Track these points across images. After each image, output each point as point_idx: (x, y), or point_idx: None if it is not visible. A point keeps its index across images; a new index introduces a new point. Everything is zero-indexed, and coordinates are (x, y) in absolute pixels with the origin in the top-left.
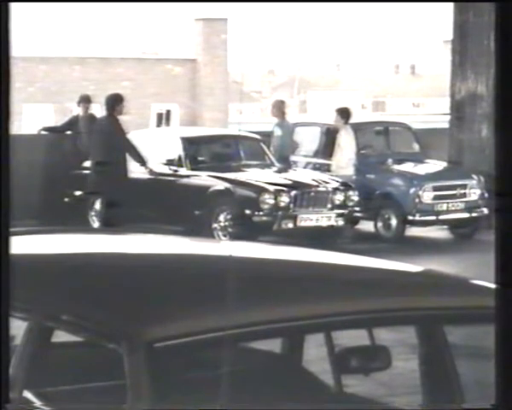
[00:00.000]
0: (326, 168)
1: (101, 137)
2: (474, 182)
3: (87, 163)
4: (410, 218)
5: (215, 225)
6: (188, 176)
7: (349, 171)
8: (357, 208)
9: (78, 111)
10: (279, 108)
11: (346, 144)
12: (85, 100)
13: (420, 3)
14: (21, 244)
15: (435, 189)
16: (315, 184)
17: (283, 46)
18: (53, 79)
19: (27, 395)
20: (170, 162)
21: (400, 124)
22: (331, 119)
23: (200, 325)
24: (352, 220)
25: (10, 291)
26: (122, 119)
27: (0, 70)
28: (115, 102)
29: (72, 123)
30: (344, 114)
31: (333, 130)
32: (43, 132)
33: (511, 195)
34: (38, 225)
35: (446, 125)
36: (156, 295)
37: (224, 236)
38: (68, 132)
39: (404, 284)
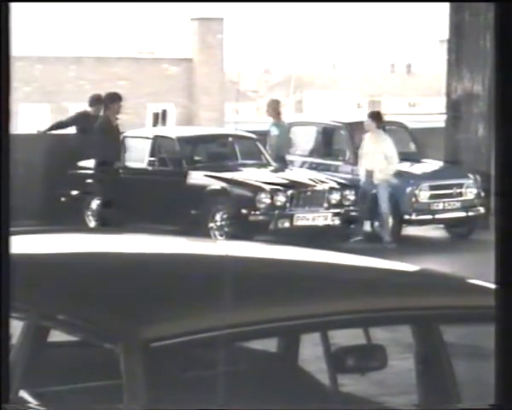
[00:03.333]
0: (322, 168)
1: (94, 135)
2: (471, 181)
3: (82, 163)
4: (407, 217)
5: (211, 225)
6: (184, 175)
7: (391, 175)
8: (353, 208)
9: (77, 110)
10: (274, 108)
11: (392, 149)
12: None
13: (416, 3)
14: (18, 244)
15: (432, 188)
16: (311, 183)
17: (279, 46)
18: (49, 79)
19: (24, 394)
20: (167, 161)
21: (396, 123)
22: (328, 118)
23: (196, 324)
24: (348, 220)
25: (10, 291)
26: (119, 117)
27: (0, 70)
28: (109, 100)
29: (74, 121)
30: (376, 117)
31: (329, 129)
32: (51, 132)
33: (511, 194)
34: (34, 225)
35: (442, 125)
36: (152, 294)
37: (221, 235)
38: (64, 132)
39: (401, 283)
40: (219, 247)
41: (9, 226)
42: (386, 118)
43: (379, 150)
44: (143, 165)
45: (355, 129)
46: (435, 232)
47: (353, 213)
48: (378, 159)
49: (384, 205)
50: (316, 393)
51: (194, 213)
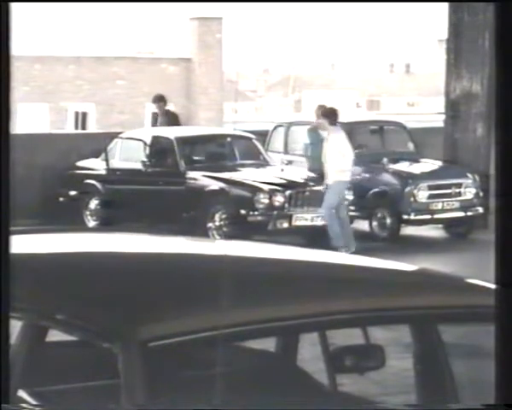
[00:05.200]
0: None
1: None
2: (469, 181)
3: (81, 163)
4: (405, 217)
5: (210, 225)
6: (183, 176)
7: (349, 174)
8: (351, 208)
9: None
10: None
11: (346, 147)
12: (159, 99)
13: (415, 3)
14: (16, 244)
15: (430, 188)
16: (310, 183)
17: (278, 45)
18: (48, 79)
19: (22, 394)
20: (165, 162)
21: (395, 123)
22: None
23: (194, 324)
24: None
25: (10, 291)
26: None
27: (0, 70)
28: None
29: (152, 121)
30: (328, 114)
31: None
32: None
33: (511, 194)
34: (33, 225)
35: (441, 124)
36: (151, 294)
37: (219, 235)
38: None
39: (399, 283)
40: (218, 247)
41: (9, 226)
42: (385, 118)
43: (334, 148)
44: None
45: (353, 129)
46: (434, 232)
47: (352, 214)
48: (334, 157)
49: (327, 211)
50: (314, 393)
51: (193, 214)
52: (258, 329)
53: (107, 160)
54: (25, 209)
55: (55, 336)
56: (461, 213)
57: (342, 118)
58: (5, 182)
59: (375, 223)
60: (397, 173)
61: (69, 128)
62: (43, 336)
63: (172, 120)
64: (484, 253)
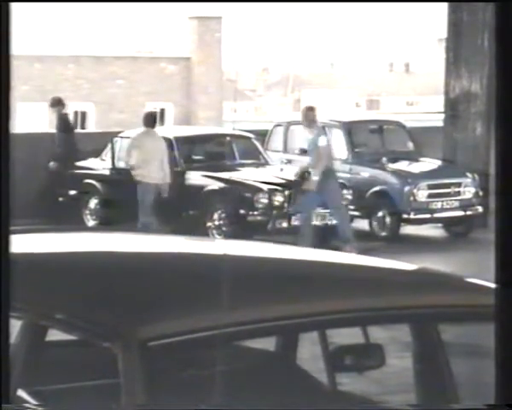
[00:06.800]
0: None
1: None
2: (469, 180)
3: (81, 162)
4: (405, 216)
5: (209, 224)
6: (182, 175)
7: (156, 179)
8: (351, 207)
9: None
10: (307, 115)
11: (159, 151)
12: (57, 103)
13: (414, 3)
14: (16, 243)
15: (430, 187)
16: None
17: (277, 44)
18: (47, 78)
19: (22, 394)
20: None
21: (394, 122)
22: (326, 117)
23: (194, 323)
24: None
25: (10, 291)
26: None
27: (0, 70)
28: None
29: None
30: (145, 119)
31: (327, 128)
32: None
33: (511, 194)
34: (33, 225)
35: (441, 124)
36: (150, 293)
37: (219, 235)
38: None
39: (399, 282)
40: (218, 246)
41: (9, 226)
42: (384, 117)
43: (146, 152)
44: None
45: (353, 128)
46: (433, 231)
47: (352, 213)
48: (144, 161)
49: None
50: (314, 392)
51: (193, 213)
52: (258, 328)
53: (112, 158)
54: (25, 209)
55: (55, 336)
56: (460, 213)
57: (342, 117)
58: (5, 182)
59: (374, 222)
60: (396, 173)
61: None
62: (43, 336)
63: (69, 123)
64: (483, 252)
